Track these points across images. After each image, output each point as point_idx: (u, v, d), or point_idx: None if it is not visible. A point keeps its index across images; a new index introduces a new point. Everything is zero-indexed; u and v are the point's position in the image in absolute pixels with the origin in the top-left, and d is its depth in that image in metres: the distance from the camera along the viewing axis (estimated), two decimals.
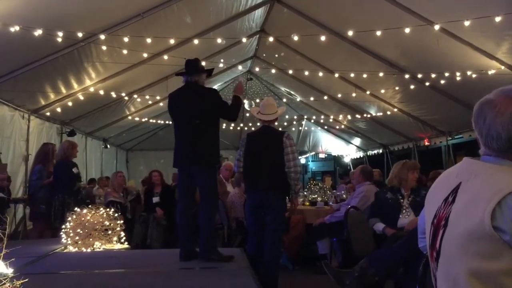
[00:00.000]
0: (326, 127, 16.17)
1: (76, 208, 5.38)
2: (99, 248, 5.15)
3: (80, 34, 6.51)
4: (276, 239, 4.73)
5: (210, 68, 5.03)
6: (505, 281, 1.28)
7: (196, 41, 7.79)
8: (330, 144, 17.20)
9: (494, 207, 1.28)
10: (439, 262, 1.49)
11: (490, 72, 7.32)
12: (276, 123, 5.19)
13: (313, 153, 18.99)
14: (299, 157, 4.90)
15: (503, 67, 7.14)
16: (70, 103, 9.15)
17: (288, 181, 4.75)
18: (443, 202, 1.49)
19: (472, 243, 1.33)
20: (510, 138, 1.38)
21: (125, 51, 7.43)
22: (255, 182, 4.91)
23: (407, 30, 6.74)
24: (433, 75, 8.25)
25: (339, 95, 11.28)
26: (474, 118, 1.49)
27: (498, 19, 5.84)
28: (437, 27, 6.64)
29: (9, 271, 2.21)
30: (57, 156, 6.98)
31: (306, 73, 10.04)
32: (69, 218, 5.21)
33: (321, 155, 19.43)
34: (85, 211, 5.27)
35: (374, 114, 11.90)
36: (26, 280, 2.32)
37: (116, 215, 5.39)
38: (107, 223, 5.26)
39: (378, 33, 7.03)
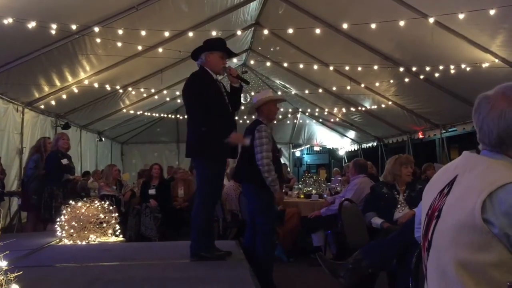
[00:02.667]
0: (321, 120, 16.20)
1: (70, 202, 5.37)
2: (94, 241, 5.15)
3: (74, 27, 6.48)
4: (263, 232, 4.56)
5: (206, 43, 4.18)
6: (493, 273, 1.30)
7: (191, 34, 7.77)
8: (324, 137, 17.24)
9: (484, 199, 1.29)
10: (430, 253, 1.51)
11: (484, 65, 7.34)
12: (267, 114, 4.83)
13: (308, 146, 19.04)
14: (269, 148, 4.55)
15: (497, 60, 7.17)
16: (64, 96, 9.12)
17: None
18: (439, 194, 1.52)
19: (462, 235, 1.34)
20: (500, 134, 1.41)
21: (119, 44, 7.40)
22: (236, 174, 5.07)
23: (401, 23, 6.75)
24: (427, 68, 8.27)
25: (334, 88, 11.29)
26: (473, 112, 1.52)
27: (492, 12, 5.86)
28: (431, 20, 6.65)
29: (3, 264, 2.22)
30: (51, 148, 6.97)
31: (301, 66, 10.05)
32: (64, 211, 5.21)
33: (316, 148, 19.49)
34: (80, 204, 5.27)
35: (368, 107, 11.93)
36: (21, 273, 2.32)
37: (111, 208, 5.39)
38: (102, 216, 5.26)
39: (373, 26, 7.04)
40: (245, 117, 13.91)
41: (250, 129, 4.71)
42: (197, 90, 3.95)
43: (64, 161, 6.67)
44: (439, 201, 1.49)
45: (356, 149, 16.73)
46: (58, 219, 6.13)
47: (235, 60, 11.45)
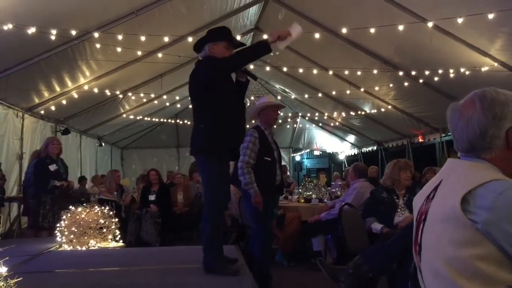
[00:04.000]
0: (320, 124, 16.21)
1: (71, 207, 5.36)
2: (94, 247, 5.14)
3: (73, 32, 6.50)
4: (257, 237, 4.61)
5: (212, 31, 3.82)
6: (481, 266, 1.32)
7: (190, 39, 7.78)
8: (324, 141, 17.25)
9: (464, 196, 1.34)
10: (421, 255, 1.54)
11: (483, 69, 7.37)
12: (263, 120, 4.85)
13: (308, 150, 19.05)
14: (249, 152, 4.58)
15: (496, 64, 7.18)
16: (64, 101, 9.13)
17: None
18: (425, 199, 1.58)
19: (447, 231, 1.38)
20: (470, 140, 1.47)
21: (119, 49, 7.42)
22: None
23: (400, 28, 6.77)
24: (426, 72, 8.29)
25: (334, 93, 11.30)
26: (447, 121, 1.59)
27: (491, 16, 5.88)
28: (430, 24, 6.67)
29: (3, 270, 2.21)
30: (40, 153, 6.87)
31: (301, 70, 10.06)
32: (64, 217, 5.20)
33: (316, 152, 19.49)
34: (80, 209, 5.26)
35: (368, 111, 11.95)
36: (20, 279, 2.31)
37: (111, 213, 5.38)
38: (102, 221, 5.25)
39: (372, 30, 7.05)
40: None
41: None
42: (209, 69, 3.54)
43: (52, 167, 6.43)
44: (426, 206, 1.54)
45: (356, 153, 16.73)
46: (46, 225, 6.13)
47: None
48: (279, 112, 5.07)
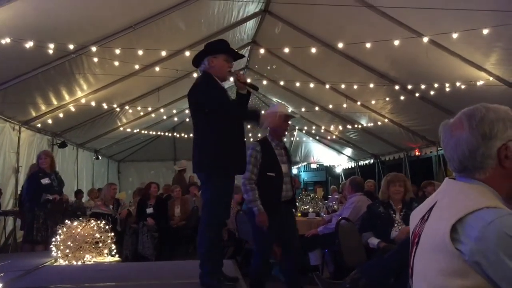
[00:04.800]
0: (317, 138, 16.24)
1: (66, 221, 5.33)
2: (90, 261, 5.11)
3: (71, 46, 6.52)
4: (255, 264, 4.43)
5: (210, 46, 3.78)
6: None
7: (187, 53, 7.81)
8: (321, 155, 17.25)
9: (454, 224, 1.29)
10: (413, 279, 1.49)
11: (479, 83, 7.41)
12: (271, 132, 4.64)
13: (305, 163, 19.02)
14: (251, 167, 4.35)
15: (491, 78, 7.23)
16: (61, 115, 9.13)
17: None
18: (420, 220, 1.52)
19: (437, 260, 1.33)
20: (461, 160, 1.42)
21: (116, 63, 7.44)
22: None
23: (396, 42, 6.82)
24: (422, 86, 8.33)
25: (330, 106, 11.34)
26: (440, 139, 1.56)
27: (485, 31, 5.93)
28: (426, 39, 6.72)
29: None
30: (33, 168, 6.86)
31: (298, 84, 10.09)
32: (59, 231, 5.17)
33: (313, 165, 19.47)
34: (75, 223, 5.23)
35: (365, 125, 11.98)
36: None
37: (107, 227, 5.35)
38: (97, 235, 5.22)
39: (368, 45, 7.10)
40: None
41: None
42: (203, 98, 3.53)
43: (44, 181, 6.43)
44: (420, 227, 1.49)
45: (353, 166, 16.73)
46: (40, 239, 6.10)
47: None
48: (289, 122, 4.84)
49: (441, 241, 1.31)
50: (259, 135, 12.15)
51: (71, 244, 5.07)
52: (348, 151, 16.13)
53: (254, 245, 4.56)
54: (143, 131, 13.21)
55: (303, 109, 12.21)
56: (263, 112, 3.78)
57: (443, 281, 1.31)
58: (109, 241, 5.30)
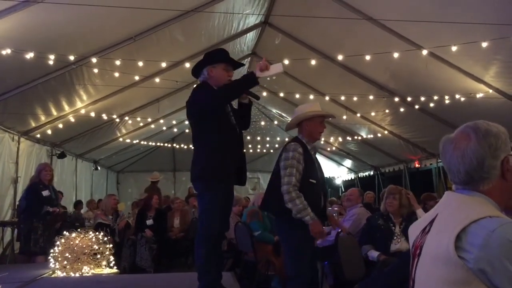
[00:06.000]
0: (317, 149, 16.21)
1: (64, 232, 5.30)
2: (88, 273, 5.07)
3: (71, 57, 6.54)
4: (290, 285, 3.78)
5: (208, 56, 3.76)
6: None
7: (187, 64, 7.83)
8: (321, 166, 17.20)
9: (459, 234, 1.32)
10: None
11: (478, 96, 7.42)
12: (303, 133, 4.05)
13: None
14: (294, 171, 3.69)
15: (491, 91, 7.24)
16: (61, 125, 9.12)
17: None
18: (421, 232, 1.56)
19: (440, 270, 1.36)
20: (468, 171, 1.46)
21: (116, 74, 7.45)
22: (263, 202, 4.16)
23: (396, 55, 6.84)
24: (422, 98, 8.35)
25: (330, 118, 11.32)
26: (440, 155, 1.59)
27: (485, 44, 5.95)
28: (425, 51, 6.75)
29: None
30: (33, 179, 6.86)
31: (297, 95, 10.11)
32: (58, 242, 5.14)
33: None
34: (74, 235, 5.20)
35: (364, 136, 11.98)
36: None
37: (105, 238, 5.32)
38: (96, 247, 5.18)
39: (368, 57, 7.12)
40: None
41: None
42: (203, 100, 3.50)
43: (45, 193, 6.48)
44: (421, 239, 1.52)
45: (352, 178, 16.70)
46: (38, 250, 6.07)
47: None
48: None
49: (445, 251, 1.33)
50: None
51: (69, 256, 5.04)
52: (348, 162, 16.11)
53: (291, 268, 3.78)
54: (142, 142, 13.19)
55: None
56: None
57: None
58: (107, 252, 5.26)
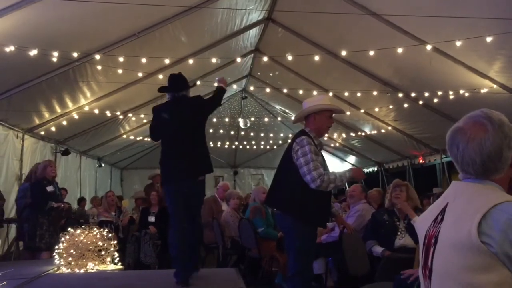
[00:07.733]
0: None
1: (69, 229, 5.32)
2: (92, 269, 5.09)
3: (75, 54, 6.55)
4: (291, 281, 3.69)
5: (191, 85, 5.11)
6: None
7: (191, 61, 7.84)
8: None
9: (480, 220, 1.34)
10: (431, 280, 1.52)
11: (482, 91, 7.39)
12: (309, 127, 3.97)
13: None
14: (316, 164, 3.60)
15: (495, 86, 7.21)
16: (64, 122, 9.14)
17: (304, 199, 3.63)
18: (433, 222, 1.56)
19: (462, 257, 1.37)
20: (484, 162, 1.46)
21: (120, 71, 7.45)
22: (268, 197, 4.16)
23: (400, 50, 6.81)
24: (426, 94, 8.31)
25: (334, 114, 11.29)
26: (448, 146, 1.58)
27: (489, 39, 5.92)
28: (429, 47, 6.71)
29: None
30: (37, 175, 6.88)
31: (301, 91, 10.08)
32: (62, 239, 5.16)
33: None
34: (78, 231, 5.22)
35: (368, 132, 11.95)
36: None
37: (110, 235, 5.34)
38: (100, 243, 5.21)
39: (372, 52, 7.10)
40: (236, 143, 13.83)
41: (291, 143, 3.88)
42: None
43: (49, 188, 6.55)
44: (434, 229, 1.53)
45: None
46: (44, 246, 6.10)
47: (235, 86, 11.54)
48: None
49: (466, 238, 1.35)
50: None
51: (74, 252, 5.06)
52: (352, 159, 16.08)
53: (295, 265, 3.71)
54: (146, 139, 13.19)
55: None
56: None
57: (470, 277, 1.35)
58: (112, 249, 5.29)
